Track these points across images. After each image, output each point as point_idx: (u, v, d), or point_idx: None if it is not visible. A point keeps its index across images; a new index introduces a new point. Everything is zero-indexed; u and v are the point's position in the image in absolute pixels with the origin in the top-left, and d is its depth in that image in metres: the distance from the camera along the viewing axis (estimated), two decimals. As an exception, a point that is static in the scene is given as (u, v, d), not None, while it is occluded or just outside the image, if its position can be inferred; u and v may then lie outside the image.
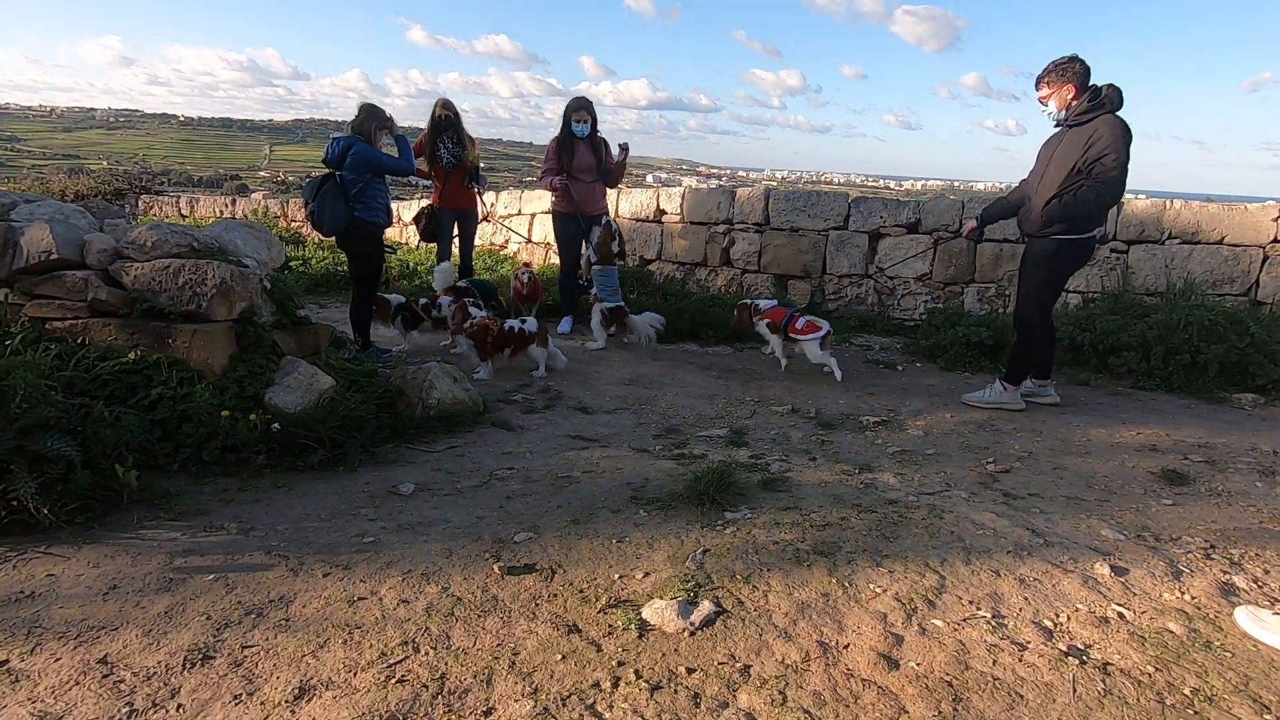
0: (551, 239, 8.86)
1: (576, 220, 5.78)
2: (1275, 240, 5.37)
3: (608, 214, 5.65)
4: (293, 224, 12.10)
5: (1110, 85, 3.83)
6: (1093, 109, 3.81)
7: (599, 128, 5.75)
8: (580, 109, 5.64)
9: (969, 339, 5.23)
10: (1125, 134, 3.75)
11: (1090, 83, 3.87)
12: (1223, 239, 5.51)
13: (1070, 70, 3.86)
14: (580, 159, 5.69)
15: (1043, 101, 3.98)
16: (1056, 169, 3.91)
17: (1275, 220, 5.37)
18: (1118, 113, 3.79)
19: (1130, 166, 3.77)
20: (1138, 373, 4.85)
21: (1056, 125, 4.00)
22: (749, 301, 5.16)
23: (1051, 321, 4.27)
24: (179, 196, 15.11)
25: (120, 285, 3.44)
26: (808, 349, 4.72)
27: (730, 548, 2.43)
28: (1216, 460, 3.40)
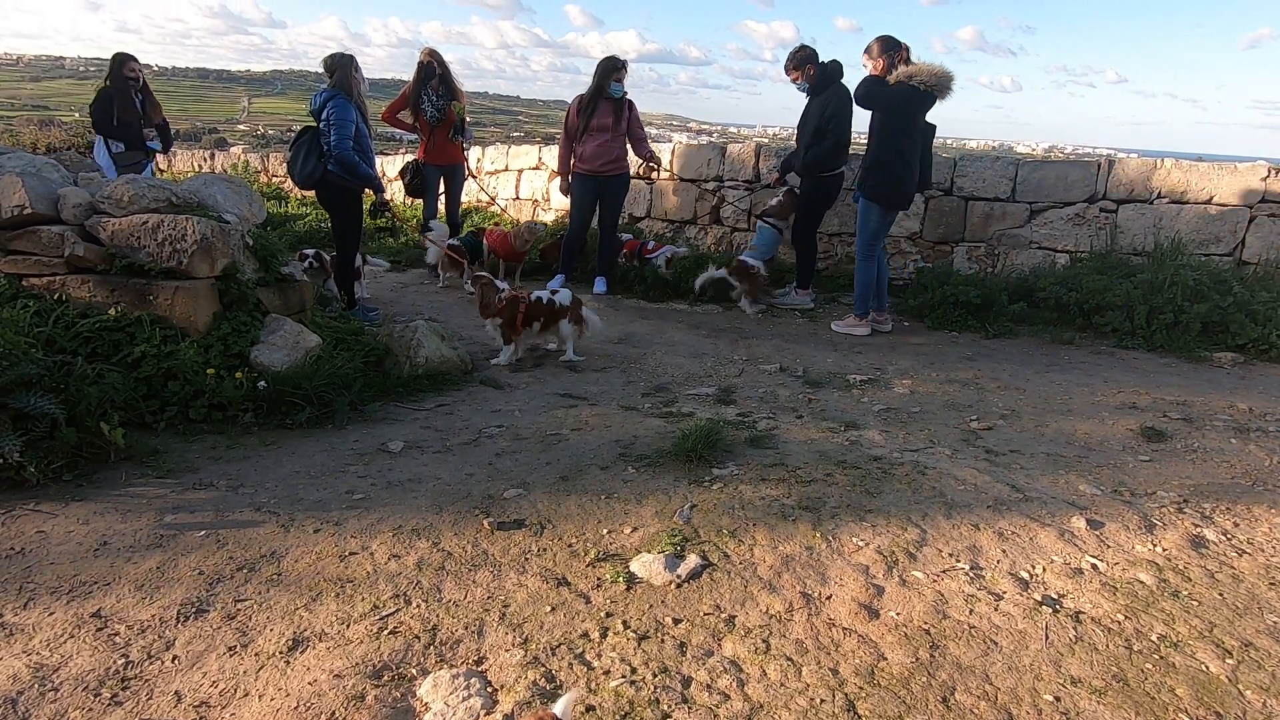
0: (539, 196, 8.75)
1: (593, 181, 5.70)
2: (1263, 200, 5.38)
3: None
4: (274, 179, 11.83)
5: (833, 61, 5.29)
6: (823, 82, 5.23)
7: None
8: (621, 69, 5.65)
9: (957, 298, 5.24)
10: (848, 101, 5.12)
11: (820, 60, 5.26)
12: (1211, 199, 5.51)
13: (804, 56, 5.28)
14: (600, 118, 5.63)
15: (793, 81, 5.36)
16: (808, 127, 5.35)
17: (1264, 180, 5.37)
18: (842, 79, 5.23)
19: (854, 120, 5.35)
20: (1121, 331, 4.90)
21: (805, 95, 5.36)
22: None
23: (815, 238, 5.88)
24: (155, 150, 14.68)
25: (97, 241, 3.37)
26: (653, 264, 6.17)
27: (717, 503, 2.47)
28: (1194, 418, 3.46)
